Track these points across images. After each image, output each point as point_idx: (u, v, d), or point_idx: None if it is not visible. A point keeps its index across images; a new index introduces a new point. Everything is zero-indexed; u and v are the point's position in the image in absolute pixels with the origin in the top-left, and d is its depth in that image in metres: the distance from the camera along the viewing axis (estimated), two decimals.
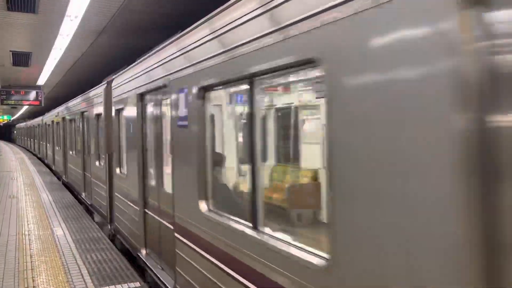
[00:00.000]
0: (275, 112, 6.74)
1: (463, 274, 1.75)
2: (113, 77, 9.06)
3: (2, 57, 13.56)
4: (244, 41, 3.42)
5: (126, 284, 5.91)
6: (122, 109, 7.85)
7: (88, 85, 13.52)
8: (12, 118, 51.21)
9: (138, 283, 5.94)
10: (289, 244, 3.00)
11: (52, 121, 21.60)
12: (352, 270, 2.35)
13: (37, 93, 19.73)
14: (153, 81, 5.98)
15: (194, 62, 4.44)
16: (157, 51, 5.93)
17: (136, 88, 6.82)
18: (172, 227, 5.20)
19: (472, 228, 1.72)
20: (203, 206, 4.35)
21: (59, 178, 18.86)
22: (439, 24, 1.82)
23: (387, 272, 2.12)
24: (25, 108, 34.11)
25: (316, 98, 5.35)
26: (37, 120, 32.21)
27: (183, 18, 8.56)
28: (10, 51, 12.64)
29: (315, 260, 2.66)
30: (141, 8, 8.42)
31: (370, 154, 2.21)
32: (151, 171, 6.45)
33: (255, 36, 3.26)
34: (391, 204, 2.09)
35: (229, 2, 3.77)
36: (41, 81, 18.73)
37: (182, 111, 4.82)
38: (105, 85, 9.65)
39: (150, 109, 6.48)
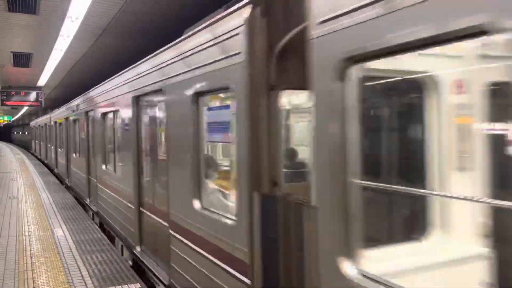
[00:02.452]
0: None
1: None
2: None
3: (3, 58, 13.59)
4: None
5: (126, 285, 5.91)
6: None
7: (88, 86, 13.53)
8: (12, 119, 51.26)
9: (138, 284, 5.94)
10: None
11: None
12: None
13: (37, 94, 19.77)
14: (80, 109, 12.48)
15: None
16: (85, 95, 11.99)
17: (84, 108, 11.68)
18: (96, 181, 10.24)
19: None
20: (103, 166, 9.27)
21: None
22: None
23: None
24: (25, 108, 34.15)
25: None
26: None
27: (183, 20, 8.58)
28: (10, 52, 12.67)
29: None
30: (141, 10, 8.43)
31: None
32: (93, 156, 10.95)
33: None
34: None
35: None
36: (42, 82, 18.75)
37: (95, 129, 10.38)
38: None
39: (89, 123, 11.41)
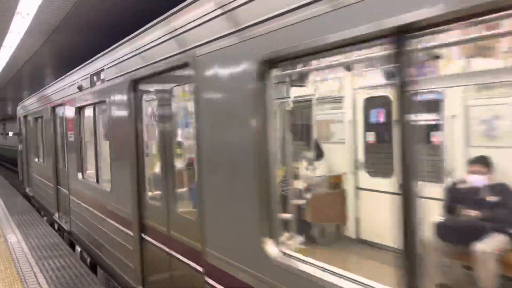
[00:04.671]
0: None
1: None
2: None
3: None
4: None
5: None
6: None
7: (40, 85, 13.04)
8: None
9: None
10: None
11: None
12: None
13: None
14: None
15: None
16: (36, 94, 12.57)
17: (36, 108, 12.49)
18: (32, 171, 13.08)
19: None
20: (36, 159, 12.30)
21: None
22: None
23: None
24: None
25: None
26: None
27: (138, 16, 8.41)
28: None
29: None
30: (96, 6, 8.24)
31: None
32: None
33: None
34: None
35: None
36: None
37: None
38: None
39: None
